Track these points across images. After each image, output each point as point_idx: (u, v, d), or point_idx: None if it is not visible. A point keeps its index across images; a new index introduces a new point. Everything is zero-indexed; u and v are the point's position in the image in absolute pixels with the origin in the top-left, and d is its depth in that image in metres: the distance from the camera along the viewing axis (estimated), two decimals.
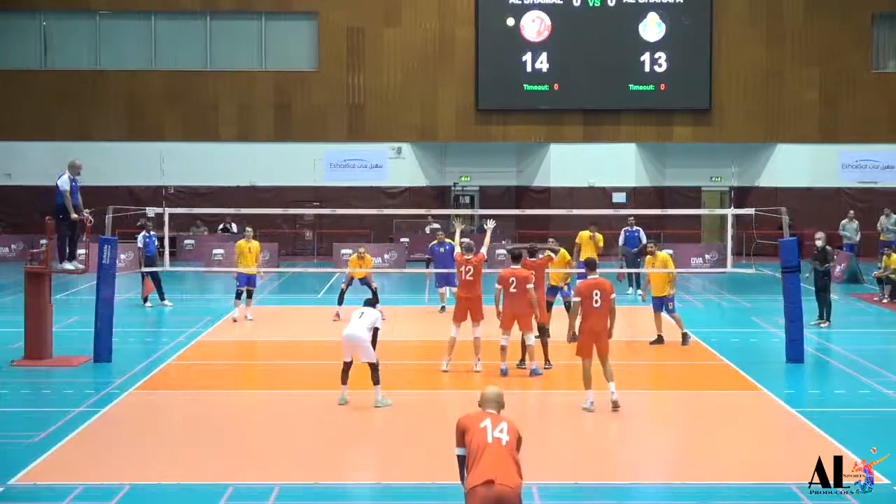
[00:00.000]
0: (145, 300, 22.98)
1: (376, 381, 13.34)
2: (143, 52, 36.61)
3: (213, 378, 15.75)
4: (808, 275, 20.73)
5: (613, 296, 13.28)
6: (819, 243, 20.89)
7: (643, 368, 16.57)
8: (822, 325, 20.25)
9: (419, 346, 18.24)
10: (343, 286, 21.11)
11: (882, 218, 31.64)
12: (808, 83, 36.49)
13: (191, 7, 36.49)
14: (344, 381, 13.49)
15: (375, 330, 13.49)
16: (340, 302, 20.82)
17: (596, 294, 13.10)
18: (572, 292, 15.45)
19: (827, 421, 12.79)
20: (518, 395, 14.37)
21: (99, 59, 36.60)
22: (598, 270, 13.66)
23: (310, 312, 22.24)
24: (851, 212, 32.34)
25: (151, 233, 22.75)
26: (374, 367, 13.30)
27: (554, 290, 18.47)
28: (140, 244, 22.86)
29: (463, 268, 15.67)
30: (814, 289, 20.57)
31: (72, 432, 12.13)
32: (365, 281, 21.02)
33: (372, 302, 14.16)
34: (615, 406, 13.11)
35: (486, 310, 15.83)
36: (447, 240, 21.90)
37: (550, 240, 20.01)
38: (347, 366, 13.46)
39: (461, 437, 7.66)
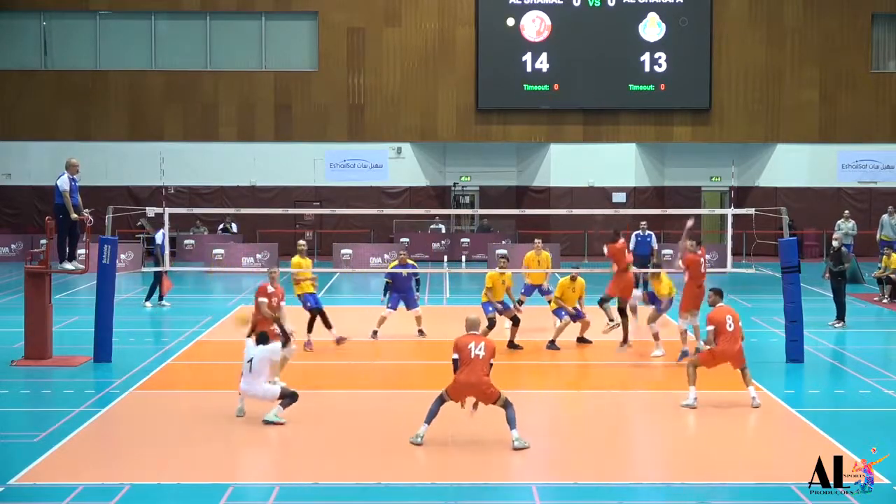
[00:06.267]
0: (161, 298, 22.95)
1: (283, 405, 12.40)
2: (143, 52, 36.62)
3: (213, 378, 15.74)
4: (826, 276, 20.78)
5: (739, 324, 13.88)
6: (835, 244, 20.93)
7: (644, 368, 16.57)
8: (836, 325, 20.23)
9: (419, 346, 18.24)
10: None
11: (884, 216, 31.50)
12: (807, 83, 36.52)
13: (191, 7, 36.48)
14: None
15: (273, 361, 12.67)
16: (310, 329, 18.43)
17: (729, 318, 13.67)
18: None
19: (827, 421, 12.81)
20: (518, 395, 14.35)
21: (99, 59, 36.60)
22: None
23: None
24: (847, 212, 32.31)
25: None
26: (289, 396, 12.45)
27: (531, 288, 18.92)
28: (159, 240, 22.63)
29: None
30: (831, 290, 20.61)
31: (72, 432, 12.12)
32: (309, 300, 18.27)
33: (265, 337, 12.79)
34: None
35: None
36: (409, 260, 19.26)
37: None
38: None
39: (456, 349, 11.59)
